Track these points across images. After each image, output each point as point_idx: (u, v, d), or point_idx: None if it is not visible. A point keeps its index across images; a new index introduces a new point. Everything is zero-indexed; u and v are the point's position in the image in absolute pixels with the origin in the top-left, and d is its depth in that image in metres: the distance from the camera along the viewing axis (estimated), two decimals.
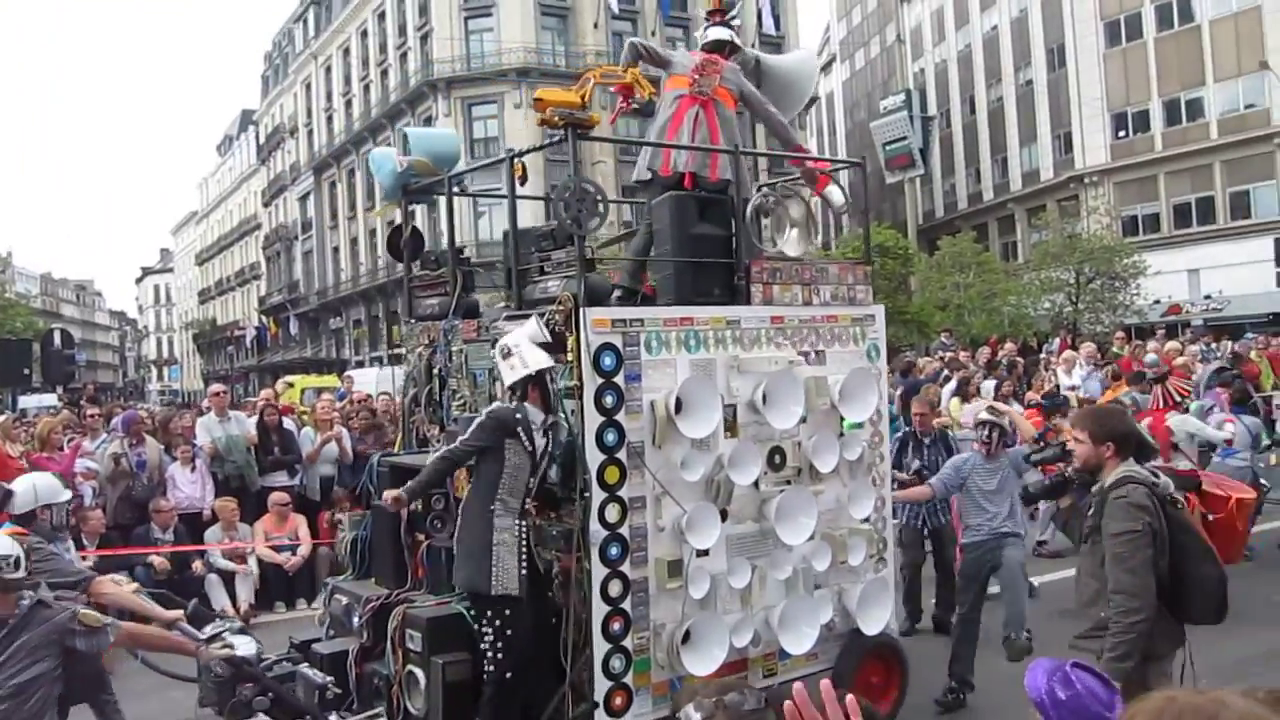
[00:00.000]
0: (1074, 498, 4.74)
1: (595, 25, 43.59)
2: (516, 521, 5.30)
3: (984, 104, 49.64)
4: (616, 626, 5.41)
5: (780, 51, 48.04)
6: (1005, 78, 47.85)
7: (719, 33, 6.79)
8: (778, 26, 48.16)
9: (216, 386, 13.14)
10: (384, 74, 50.09)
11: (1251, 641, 7.77)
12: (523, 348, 5.35)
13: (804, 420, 6.09)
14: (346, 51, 54.46)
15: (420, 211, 43.80)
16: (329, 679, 5.62)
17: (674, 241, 5.95)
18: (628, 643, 5.44)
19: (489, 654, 5.22)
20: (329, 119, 57.00)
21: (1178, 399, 9.49)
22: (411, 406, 7.07)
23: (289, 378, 32.89)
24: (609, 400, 5.40)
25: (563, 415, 5.49)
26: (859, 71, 61.25)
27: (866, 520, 6.49)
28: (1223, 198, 38.67)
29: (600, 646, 5.35)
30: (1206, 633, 8.00)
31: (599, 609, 5.35)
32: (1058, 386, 14.36)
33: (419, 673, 5.35)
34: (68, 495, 5.78)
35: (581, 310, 5.38)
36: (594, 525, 5.33)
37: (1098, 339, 24.06)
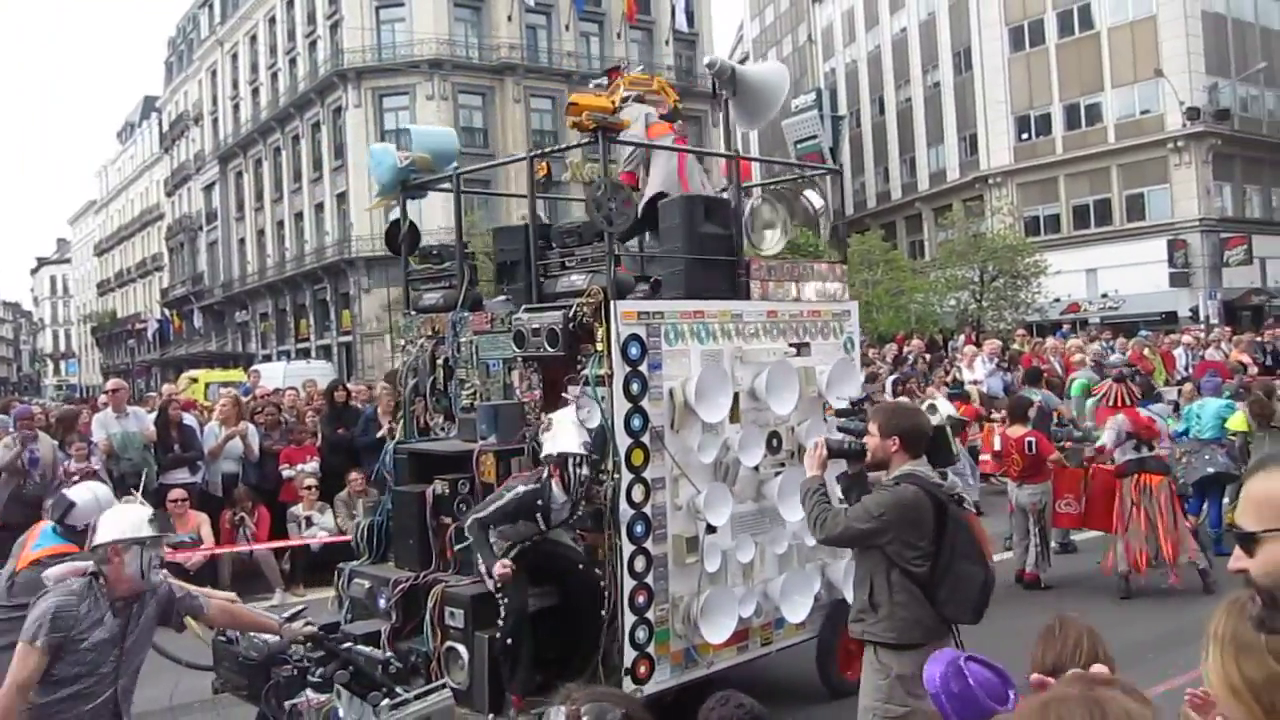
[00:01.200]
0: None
1: (509, 18, 43.41)
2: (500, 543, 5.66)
3: (893, 104, 50.63)
4: (641, 599, 5.81)
5: (693, 50, 48.41)
6: (913, 79, 48.87)
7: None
8: (691, 23, 48.45)
9: (114, 382, 12.79)
10: (292, 63, 49.18)
11: (1146, 627, 8.15)
12: (564, 427, 5.62)
13: (795, 407, 6.56)
14: (254, 39, 53.36)
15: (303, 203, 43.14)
16: (389, 654, 5.66)
17: (684, 240, 6.38)
18: (650, 614, 5.85)
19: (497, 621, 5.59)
20: (235, 107, 55.81)
21: (1128, 400, 9.87)
22: (412, 396, 7.26)
23: (193, 372, 32.14)
24: (635, 387, 5.80)
25: (593, 403, 5.83)
26: None
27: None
28: (1119, 200, 40.03)
29: (627, 618, 5.73)
30: (1109, 619, 8.41)
31: (626, 583, 5.74)
32: (960, 381, 14.72)
33: (460, 648, 5.65)
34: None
35: (612, 303, 5.75)
36: (622, 505, 5.71)
37: (1001, 336, 24.68)
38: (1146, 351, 18.47)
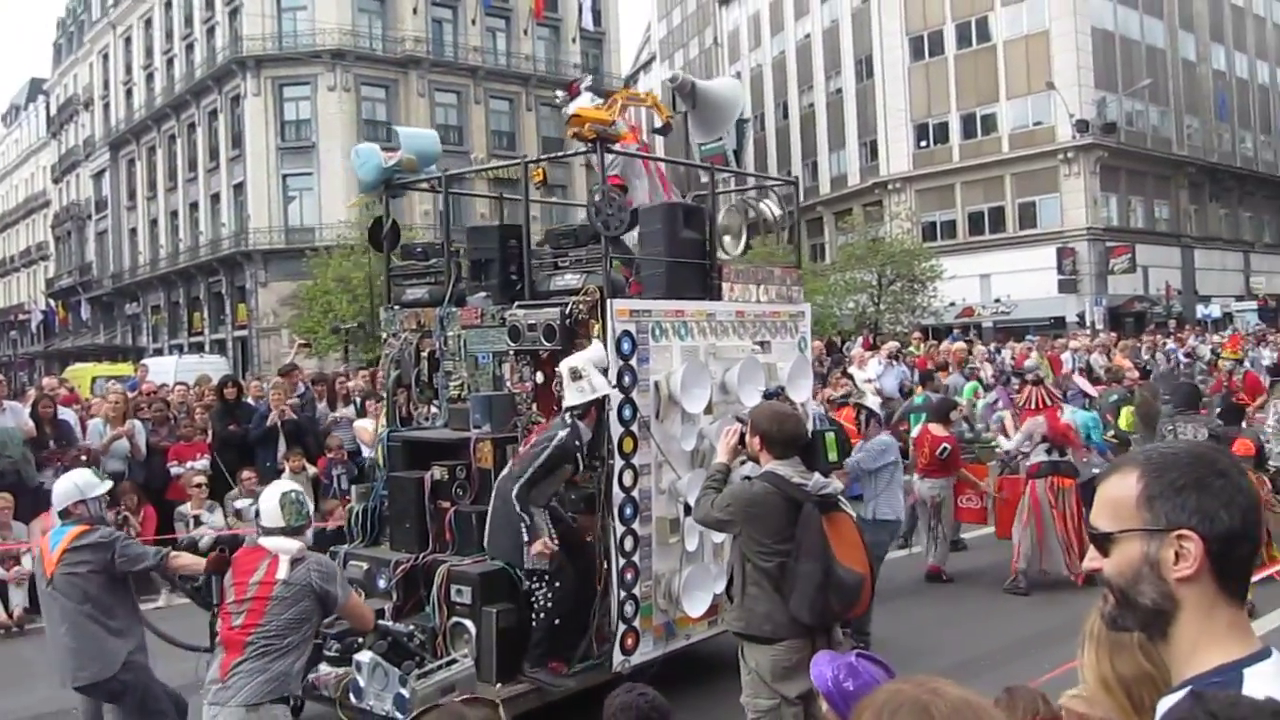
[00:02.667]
0: None
1: (414, 10, 42.80)
2: (544, 508, 5.95)
3: (796, 109, 51.30)
4: (629, 576, 6.26)
5: (599, 49, 48.42)
6: (817, 85, 49.60)
7: (588, 98, 7.76)
8: (598, 22, 48.44)
9: None
10: (189, 48, 47.78)
11: (1031, 622, 8.47)
12: (591, 373, 5.94)
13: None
14: (148, 22, 51.66)
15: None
16: (411, 627, 6.03)
17: (665, 244, 6.82)
18: (637, 590, 6.30)
19: (538, 605, 5.91)
20: (128, 92, 53.99)
21: (1048, 402, 10.11)
22: (395, 387, 7.54)
23: (77, 366, 31.05)
24: (627, 380, 6.25)
25: None
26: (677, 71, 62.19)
27: None
28: (1012, 208, 41.21)
29: (617, 594, 6.18)
30: (997, 613, 8.69)
31: (616, 561, 6.18)
32: (852, 379, 14.98)
33: (467, 623, 5.97)
34: (106, 485, 5.88)
35: (608, 301, 6.19)
36: (615, 489, 6.16)
37: (898, 338, 25.19)
38: (1034, 355, 19.05)
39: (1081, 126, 38.59)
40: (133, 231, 53.96)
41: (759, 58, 54.34)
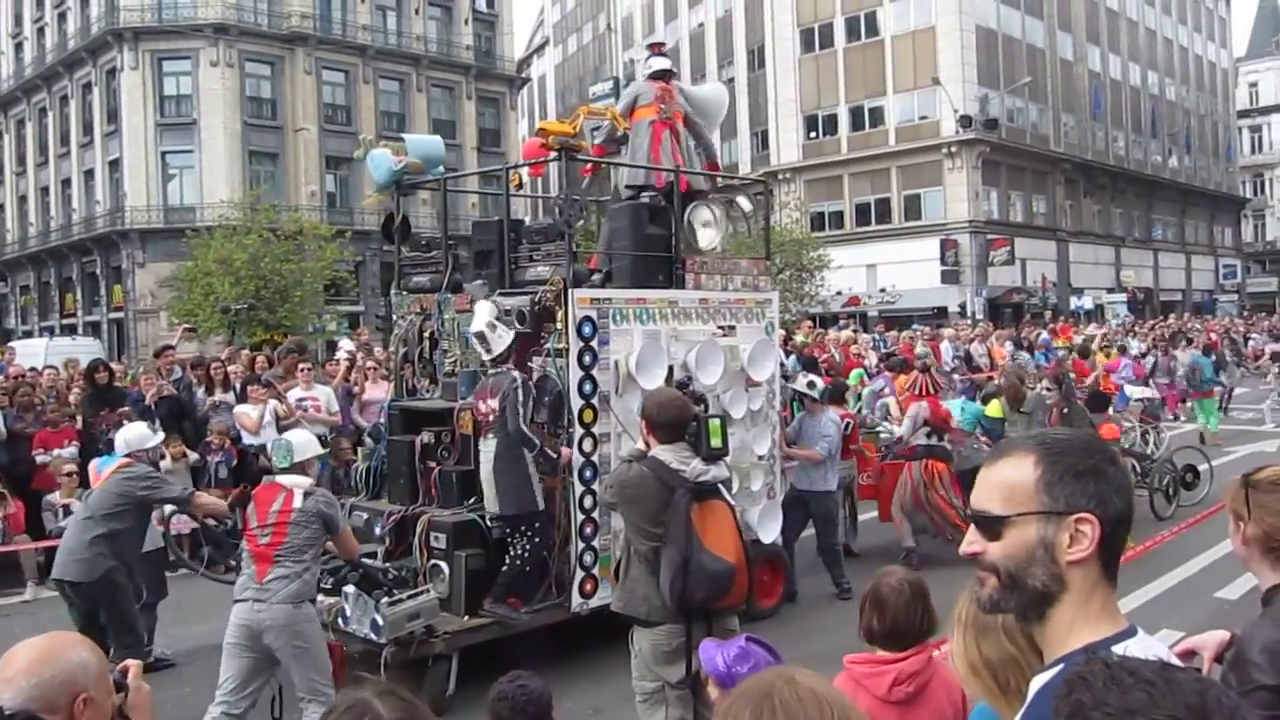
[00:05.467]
0: None
1: None
2: (532, 452, 6.76)
3: None
4: (589, 530, 7.18)
5: (492, 30, 47.93)
6: (709, 73, 49.80)
7: (662, 62, 8.45)
8: (490, 4, 47.89)
9: None
10: (61, 18, 45.71)
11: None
12: (496, 324, 6.96)
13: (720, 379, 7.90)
14: None
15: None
16: (388, 565, 7.03)
17: (631, 239, 7.81)
18: (596, 542, 7.21)
19: (515, 552, 6.79)
20: None
21: (932, 389, 10.36)
22: (402, 362, 8.70)
23: None
24: (587, 359, 7.15)
25: (553, 370, 7.21)
26: (571, 56, 62.03)
27: (763, 457, 8.36)
28: (898, 200, 42.14)
29: (577, 545, 7.10)
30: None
31: (576, 517, 7.09)
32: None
33: (443, 565, 6.94)
34: (159, 438, 7.42)
35: (570, 290, 7.13)
36: (575, 454, 7.04)
37: (786, 327, 25.53)
38: (919, 345, 19.54)
39: (965, 122, 39.61)
40: (0, 208, 51.54)
41: None
